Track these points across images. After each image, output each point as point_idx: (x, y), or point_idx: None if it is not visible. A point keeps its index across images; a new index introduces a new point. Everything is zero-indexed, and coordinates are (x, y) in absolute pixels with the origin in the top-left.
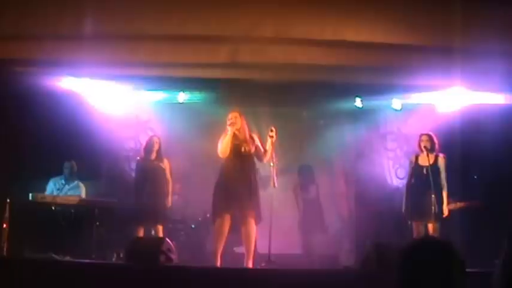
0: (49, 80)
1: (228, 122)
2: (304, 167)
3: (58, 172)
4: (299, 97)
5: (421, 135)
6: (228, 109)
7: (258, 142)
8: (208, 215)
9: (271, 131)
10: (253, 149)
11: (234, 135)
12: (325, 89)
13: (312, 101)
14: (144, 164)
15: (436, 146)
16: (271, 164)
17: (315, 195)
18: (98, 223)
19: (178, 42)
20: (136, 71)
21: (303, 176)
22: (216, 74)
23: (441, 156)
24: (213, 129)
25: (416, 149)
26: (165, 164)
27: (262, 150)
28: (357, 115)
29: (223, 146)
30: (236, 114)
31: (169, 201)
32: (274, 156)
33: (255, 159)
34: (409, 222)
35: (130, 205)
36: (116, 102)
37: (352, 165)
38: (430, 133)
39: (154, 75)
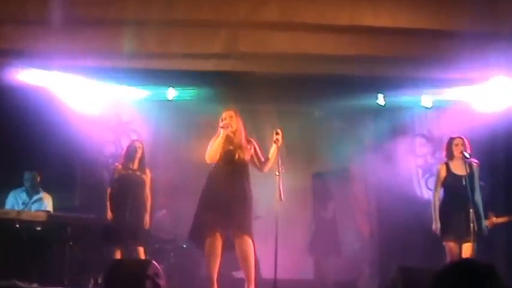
0: (10, 72)
1: (221, 123)
2: (317, 176)
3: (18, 183)
4: (309, 94)
5: (453, 138)
6: (225, 107)
7: (256, 149)
8: None
9: (277, 133)
10: (248, 157)
11: (227, 138)
12: (340, 84)
13: (325, 99)
14: (123, 173)
15: (469, 151)
16: (277, 173)
17: (329, 209)
18: (71, 243)
19: (165, 29)
20: (116, 63)
21: (315, 187)
22: (211, 66)
23: (475, 163)
24: (207, 132)
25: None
26: (147, 176)
27: (261, 159)
28: (379, 115)
29: (212, 150)
30: (231, 113)
31: (148, 220)
32: (280, 163)
33: (249, 168)
34: (442, 242)
35: (110, 222)
36: (92, 99)
37: (373, 175)
38: (462, 136)
39: (137, 68)
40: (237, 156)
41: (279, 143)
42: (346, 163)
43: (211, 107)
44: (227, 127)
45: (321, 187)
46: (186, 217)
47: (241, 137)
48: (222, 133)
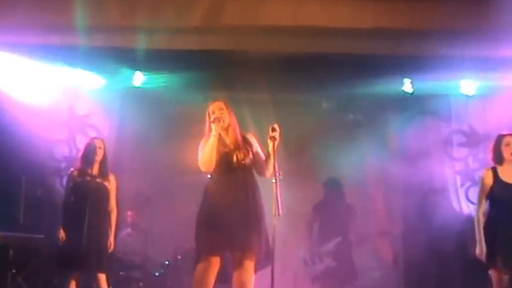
0: None
1: (210, 118)
2: (326, 185)
3: None
4: (315, 79)
5: (503, 136)
6: (209, 97)
7: (256, 146)
8: (179, 257)
9: (273, 130)
10: (249, 158)
11: (220, 138)
12: (355, 66)
13: (335, 85)
14: (80, 181)
15: None
16: (273, 180)
17: (342, 229)
18: (14, 270)
19: None
20: (68, 40)
21: (324, 199)
22: (189, 43)
23: None
24: (186, 128)
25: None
26: (110, 184)
27: (263, 157)
28: (405, 105)
29: (205, 156)
30: (221, 105)
31: (111, 240)
32: (276, 167)
33: (255, 173)
34: (488, 271)
35: (63, 243)
36: (38, 86)
37: (397, 184)
38: None
39: (95, 46)
40: (234, 159)
41: (276, 142)
42: (362, 169)
43: (191, 96)
44: (219, 121)
45: (331, 199)
46: (159, 236)
47: (236, 133)
48: (213, 130)
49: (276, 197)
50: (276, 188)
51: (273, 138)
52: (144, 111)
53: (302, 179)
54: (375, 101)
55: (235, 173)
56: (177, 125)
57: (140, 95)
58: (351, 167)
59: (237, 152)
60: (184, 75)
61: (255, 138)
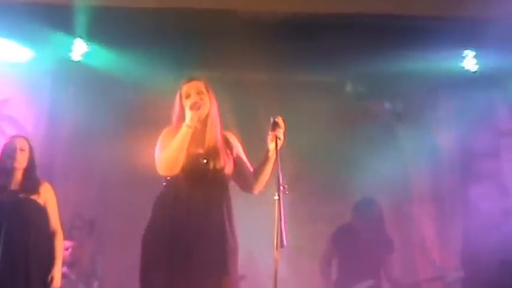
0: None
1: (183, 102)
2: (356, 203)
3: None
4: (335, 51)
5: None
6: (182, 75)
7: (238, 150)
8: None
9: (275, 125)
10: (228, 167)
11: (194, 134)
12: (393, 33)
13: (364, 60)
14: None
15: None
16: (276, 197)
17: (375, 266)
18: None
19: None
20: None
21: (350, 224)
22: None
23: None
24: (148, 121)
25: None
26: (44, 196)
27: (249, 170)
28: (466, 89)
29: (170, 153)
30: (200, 86)
31: (58, 273)
32: (281, 180)
33: (228, 185)
34: None
35: None
36: None
37: (456, 203)
38: None
39: (15, 2)
40: (211, 165)
41: (280, 143)
42: (404, 182)
43: (154, 75)
44: (198, 107)
45: (357, 226)
46: (109, 281)
47: (216, 130)
48: (189, 118)
49: (280, 221)
50: (280, 208)
51: (275, 138)
52: (87, 96)
53: (316, 197)
54: (423, 83)
55: (207, 184)
56: (135, 117)
57: (81, 73)
58: (387, 180)
59: (214, 155)
60: (146, 45)
61: (239, 140)
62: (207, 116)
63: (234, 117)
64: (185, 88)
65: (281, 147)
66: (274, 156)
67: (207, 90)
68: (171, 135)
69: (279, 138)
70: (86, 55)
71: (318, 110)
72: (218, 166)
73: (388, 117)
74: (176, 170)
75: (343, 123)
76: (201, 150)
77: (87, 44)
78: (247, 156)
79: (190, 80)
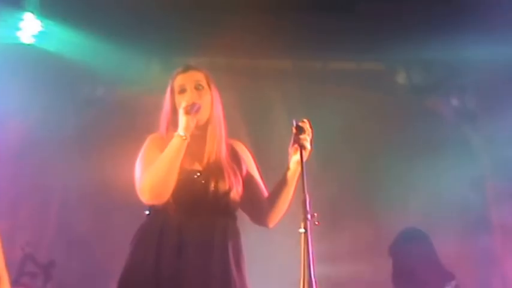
0: None
1: (178, 101)
2: (409, 236)
3: None
4: (382, 28)
5: None
6: (171, 63)
7: (251, 169)
8: None
9: (299, 130)
10: (236, 189)
11: (190, 145)
12: (463, 7)
13: (424, 42)
14: None
15: None
16: (302, 230)
17: None
18: None
19: None
20: None
21: (401, 264)
22: None
23: None
24: (126, 122)
25: None
26: None
27: (262, 194)
28: None
29: (155, 176)
30: (199, 78)
31: None
32: (308, 202)
33: (236, 214)
34: None
35: None
36: None
37: None
38: None
39: None
40: (211, 187)
41: (307, 154)
42: (478, 207)
43: (132, 63)
44: (197, 110)
45: (411, 268)
46: None
47: (220, 140)
48: (182, 125)
49: (307, 263)
50: (308, 246)
51: (300, 145)
52: (41, 90)
53: (354, 228)
54: (501, 71)
55: (206, 215)
56: (107, 120)
57: (32, 60)
58: (455, 204)
59: (216, 174)
60: (122, 23)
61: (250, 153)
62: (208, 120)
63: (242, 119)
64: (179, 80)
65: (308, 161)
66: (299, 172)
67: (208, 84)
68: (158, 146)
69: (305, 149)
70: (39, 36)
71: (358, 108)
72: (222, 189)
73: (456, 117)
74: (165, 196)
75: (393, 126)
76: (198, 167)
77: (40, 22)
78: (260, 175)
79: (186, 69)
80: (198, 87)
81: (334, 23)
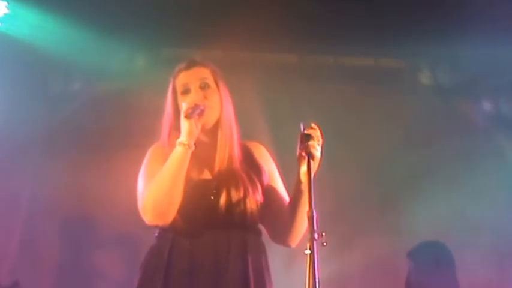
0: None
1: (179, 101)
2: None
3: None
4: (404, 22)
5: None
6: (162, 55)
7: (273, 175)
8: None
9: (306, 137)
10: (254, 199)
11: (196, 153)
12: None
13: (450, 37)
14: None
15: None
16: (308, 251)
17: None
18: None
19: None
20: None
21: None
22: None
23: None
24: (110, 124)
25: None
26: None
27: (285, 204)
28: None
29: (157, 192)
30: (205, 74)
31: None
32: (315, 219)
33: (259, 230)
34: None
35: None
36: None
37: None
38: None
39: None
40: (224, 198)
41: (316, 164)
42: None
43: (116, 53)
44: (201, 113)
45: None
46: None
47: (232, 144)
48: (184, 134)
49: (314, 286)
50: (313, 267)
51: (308, 154)
52: (6, 84)
53: (365, 248)
54: None
55: (220, 232)
56: (85, 121)
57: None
58: (482, 224)
59: (229, 183)
60: (104, 7)
61: (270, 154)
62: (217, 123)
63: (245, 119)
64: (181, 79)
65: (315, 172)
66: (309, 184)
67: (216, 81)
68: (160, 157)
69: (314, 158)
70: (5, 20)
71: (375, 111)
72: (236, 199)
73: (488, 123)
74: (169, 215)
75: (414, 132)
76: (208, 176)
77: (6, 3)
78: (281, 174)
79: (190, 65)
80: (203, 86)
81: (348, 13)
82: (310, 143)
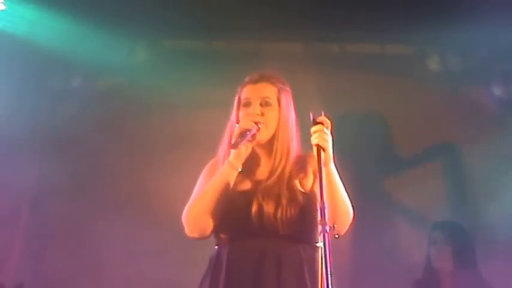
0: None
1: (243, 115)
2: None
3: None
4: (412, 7)
5: None
6: (160, 46)
7: (335, 183)
8: None
9: (317, 125)
10: (296, 211)
11: (249, 164)
12: None
13: (460, 23)
14: None
15: None
16: (320, 243)
17: None
18: None
19: None
20: None
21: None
22: None
23: None
24: (100, 118)
25: None
26: None
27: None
28: None
29: (195, 207)
30: (270, 92)
31: None
32: (327, 212)
33: (301, 242)
34: None
35: None
36: None
37: None
38: None
39: None
40: (258, 211)
41: (329, 155)
42: None
43: (113, 47)
44: (253, 136)
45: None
46: None
47: (288, 156)
48: (233, 155)
49: (327, 280)
50: (326, 261)
51: (317, 144)
52: (4, 82)
53: (376, 240)
54: None
55: (259, 244)
56: (84, 114)
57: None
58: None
59: (277, 195)
60: (102, 2)
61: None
62: (273, 137)
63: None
64: (246, 92)
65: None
66: (330, 172)
67: (278, 99)
68: (212, 173)
69: (324, 147)
70: (1, 16)
71: (382, 99)
72: (273, 212)
73: (499, 109)
74: (205, 230)
75: (423, 120)
76: (257, 187)
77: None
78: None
79: (258, 79)
80: (264, 104)
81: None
82: (320, 134)
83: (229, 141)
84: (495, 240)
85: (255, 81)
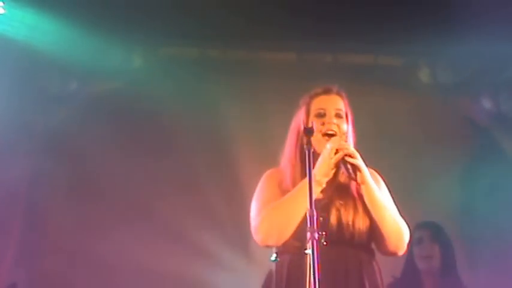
0: None
1: (317, 124)
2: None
3: None
4: (402, 17)
5: None
6: (155, 55)
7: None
8: None
9: (308, 132)
10: (366, 219)
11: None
12: None
13: (452, 34)
14: None
15: None
16: (308, 250)
17: None
18: None
19: None
20: None
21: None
22: None
23: None
24: (97, 123)
25: None
26: None
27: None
28: None
29: (274, 217)
30: (339, 102)
31: None
32: (315, 217)
33: (373, 251)
34: None
35: None
36: None
37: None
38: None
39: None
40: (333, 219)
41: (347, 152)
42: None
43: (112, 53)
44: (342, 148)
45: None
46: None
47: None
48: (323, 168)
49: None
50: (314, 269)
51: (308, 148)
52: (2, 87)
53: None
54: None
55: (335, 252)
56: (80, 119)
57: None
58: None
59: (342, 204)
60: (98, 7)
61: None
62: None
63: (243, 119)
64: (319, 103)
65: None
66: (371, 188)
67: (346, 112)
68: (276, 182)
69: (344, 148)
70: (1, 20)
71: (374, 110)
72: (346, 219)
73: (488, 121)
74: (282, 239)
75: (414, 131)
76: (322, 196)
77: (2, 3)
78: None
79: (328, 91)
80: (338, 115)
81: (346, 9)
82: (310, 137)
83: (295, 154)
84: (478, 242)
85: (326, 93)
